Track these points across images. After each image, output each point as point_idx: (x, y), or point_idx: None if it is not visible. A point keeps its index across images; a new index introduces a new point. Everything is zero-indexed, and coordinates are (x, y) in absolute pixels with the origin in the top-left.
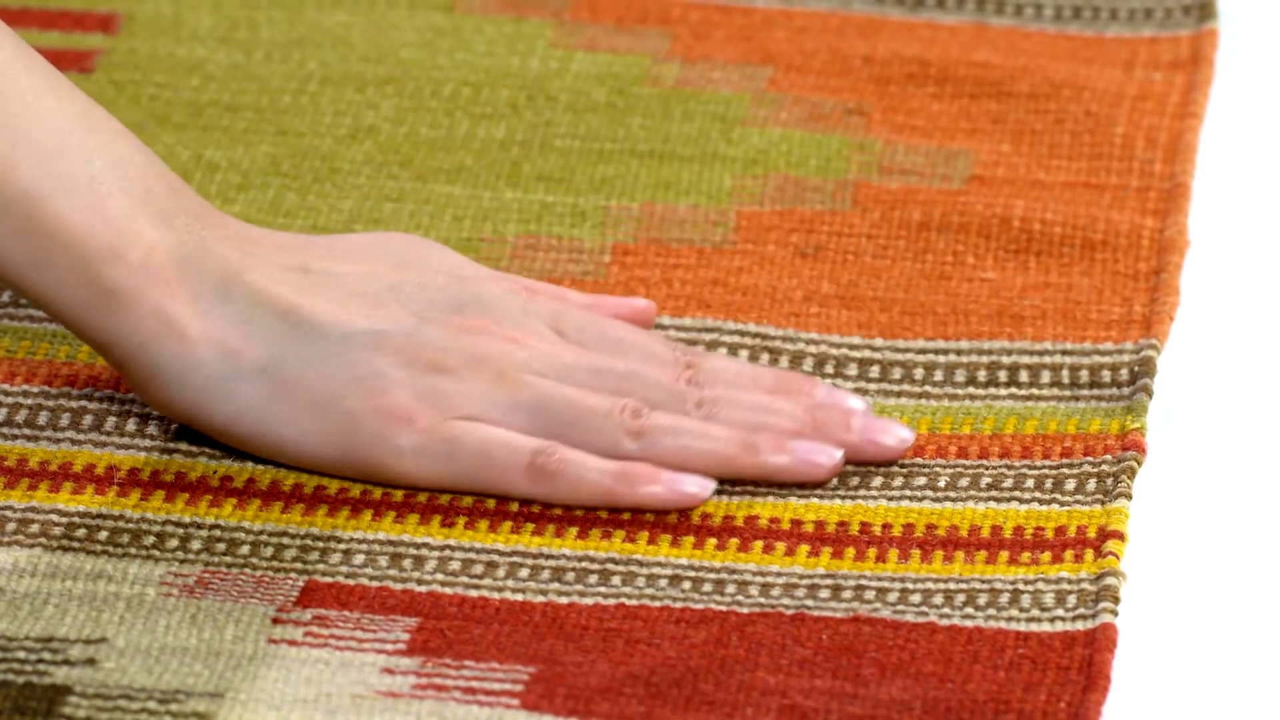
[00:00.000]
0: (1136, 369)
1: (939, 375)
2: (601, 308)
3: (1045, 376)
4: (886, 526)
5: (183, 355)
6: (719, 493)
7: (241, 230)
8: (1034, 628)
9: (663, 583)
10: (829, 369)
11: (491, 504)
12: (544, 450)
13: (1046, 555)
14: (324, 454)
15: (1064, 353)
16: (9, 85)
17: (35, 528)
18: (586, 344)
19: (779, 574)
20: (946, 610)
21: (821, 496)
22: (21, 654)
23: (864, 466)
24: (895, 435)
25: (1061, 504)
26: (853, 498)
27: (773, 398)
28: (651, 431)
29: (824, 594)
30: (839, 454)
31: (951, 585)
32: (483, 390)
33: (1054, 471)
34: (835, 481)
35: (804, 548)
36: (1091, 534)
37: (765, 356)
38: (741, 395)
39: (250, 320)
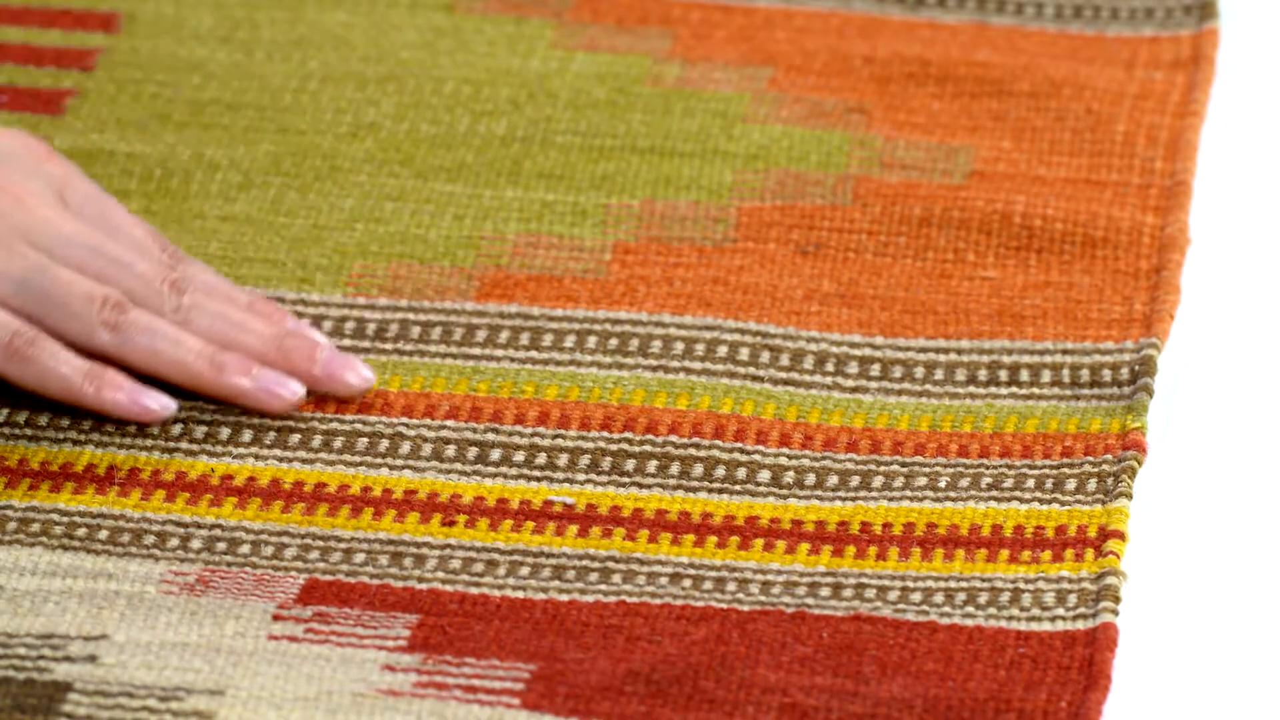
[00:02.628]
0: (1137, 368)
1: (939, 374)
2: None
3: (1046, 376)
4: (887, 526)
5: None
6: (720, 492)
7: None
8: (1034, 627)
9: (663, 580)
10: (829, 367)
11: (492, 502)
12: (21, 333)
13: (1047, 554)
14: None
15: (1064, 352)
16: None
17: (36, 527)
18: (86, 219)
19: (779, 572)
20: (947, 609)
21: (822, 497)
22: (22, 650)
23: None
24: (358, 374)
25: (1062, 503)
26: (853, 498)
27: (247, 315)
28: (128, 327)
29: (824, 592)
30: (300, 390)
31: (952, 584)
32: None
33: (1054, 471)
34: (835, 481)
35: (804, 546)
36: (1092, 533)
37: (765, 354)
38: (218, 306)
39: None
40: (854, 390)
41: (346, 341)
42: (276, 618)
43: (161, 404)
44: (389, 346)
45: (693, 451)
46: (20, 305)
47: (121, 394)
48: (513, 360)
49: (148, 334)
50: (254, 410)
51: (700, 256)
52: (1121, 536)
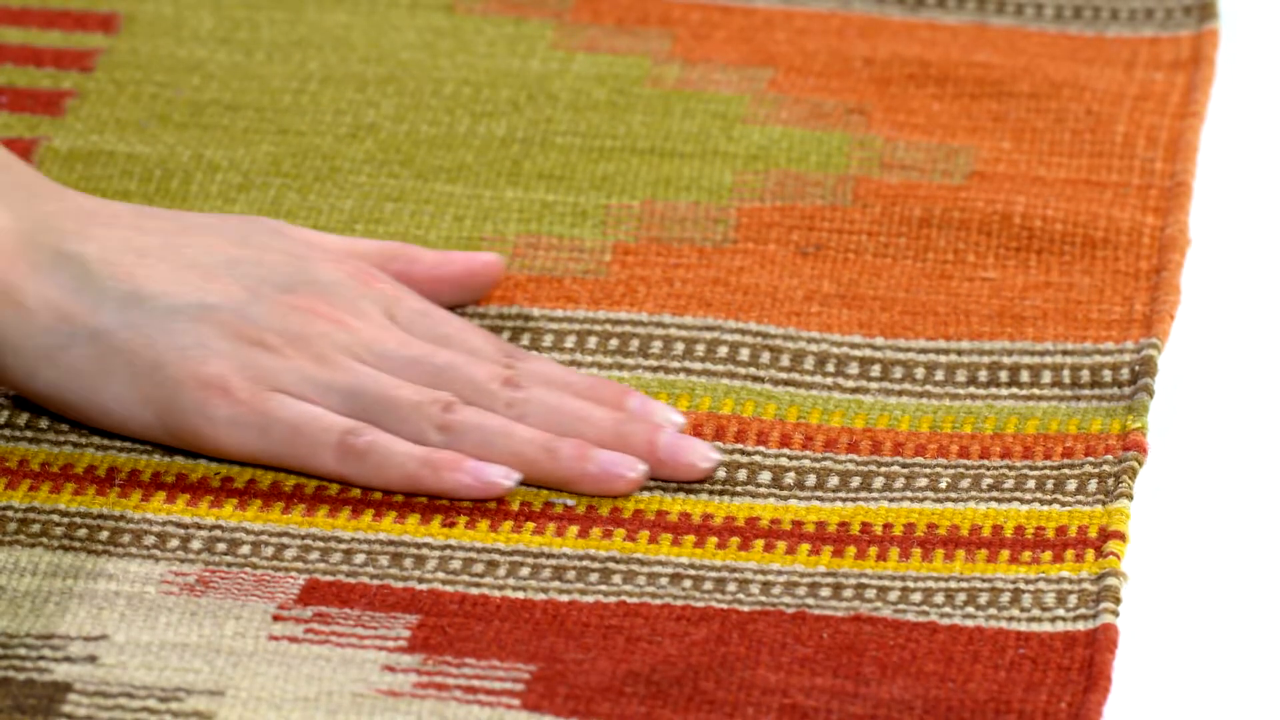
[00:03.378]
0: (1137, 368)
1: (940, 375)
2: (451, 263)
3: (1046, 376)
4: (887, 526)
5: (19, 323)
6: (721, 493)
7: (79, 202)
8: (1035, 628)
9: (663, 581)
10: (830, 368)
11: (493, 504)
12: (354, 430)
13: (1047, 555)
14: (142, 420)
15: (1064, 353)
16: None
17: (36, 528)
18: (415, 333)
19: (780, 572)
20: (947, 609)
21: (822, 499)
22: (22, 651)
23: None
24: (701, 455)
25: (1063, 504)
26: (854, 499)
27: (584, 404)
28: (458, 427)
29: (825, 592)
30: (642, 468)
31: (952, 584)
32: (301, 367)
33: (1055, 472)
34: (836, 482)
35: (805, 546)
36: (1092, 534)
37: (766, 355)
38: (553, 399)
39: (85, 288)
40: (854, 391)
41: None
42: (277, 618)
43: (505, 473)
44: None
45: None
46: (352, 417)
47: (463, 474)
48: None
49: (479, 430)
50: (456, 498)
51: (700, 257)
52: (1122, 537)
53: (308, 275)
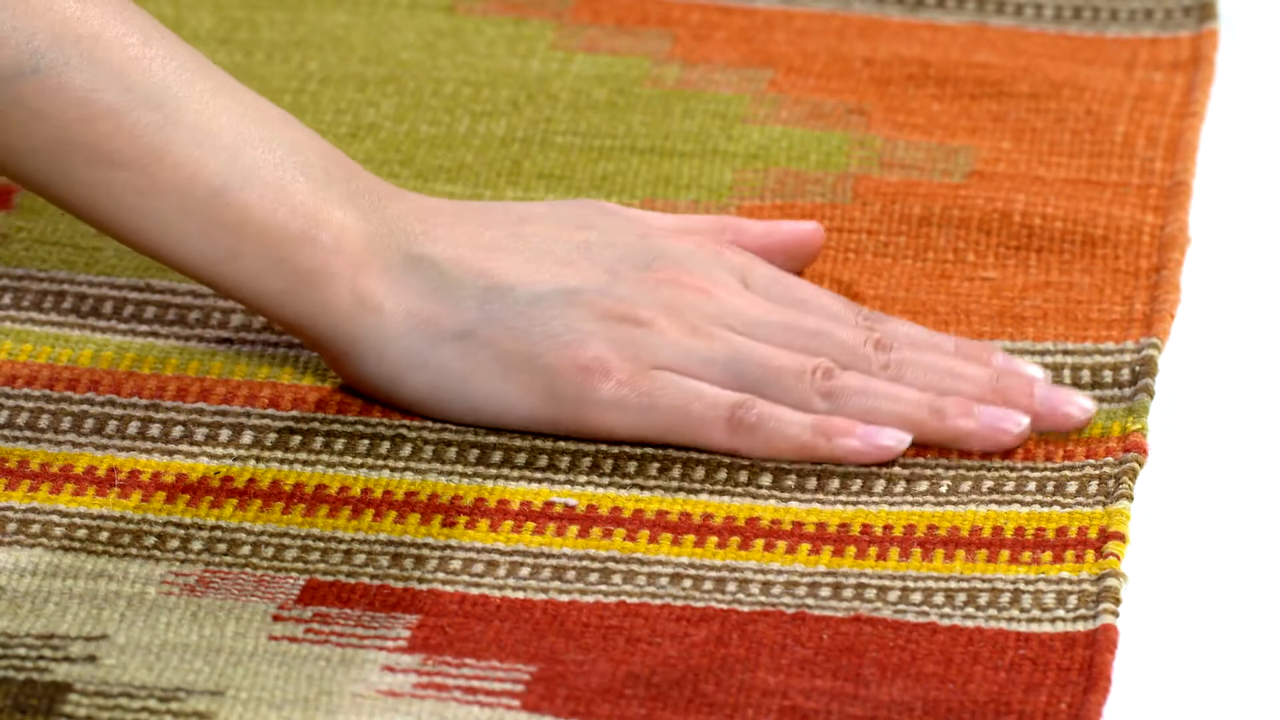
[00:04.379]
0: (1138, 368)
1: None
2: (778, 232)
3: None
4: (888, 527)
5: (379, 327)
6: (721, 493)
7: (420, 201)
8: (1035, 628)
9: (663, 581)
10: None
11: (493, 503)
12: (743, 404)
13: (1047, 555)
14: (524, 411)
15: (1065, 353)
16: (186, 89)
17: (36, 528)
18: (773, 298)
19: (780, 572)
20: (947, 610)
21: (823, 501)
22: (22, 651)
23: (1042, 432)
24: (1078, 405)
25: (1063, 506)
26: (854, 502)
27: (956, 361)
28: (842, 392)
29: (825, 592)
30: (1025, 421)
31: (952, 584)
32: (678, 341)
33: (1055, 474)
34: (837, 485)
35: (805, 546)
36: (1092, 535)
37: None
38: (926, 358)
39: (442, 288)
40: None
41: None
42: (277, 618)
43: (896, 438)
44: None
45: (694, 454)
46: (730, 387)
47: (855, 440)
48: None
49: (862, 395)
50: (847, 463)
51: None
52: (1122, 538)
53: (660, 250)
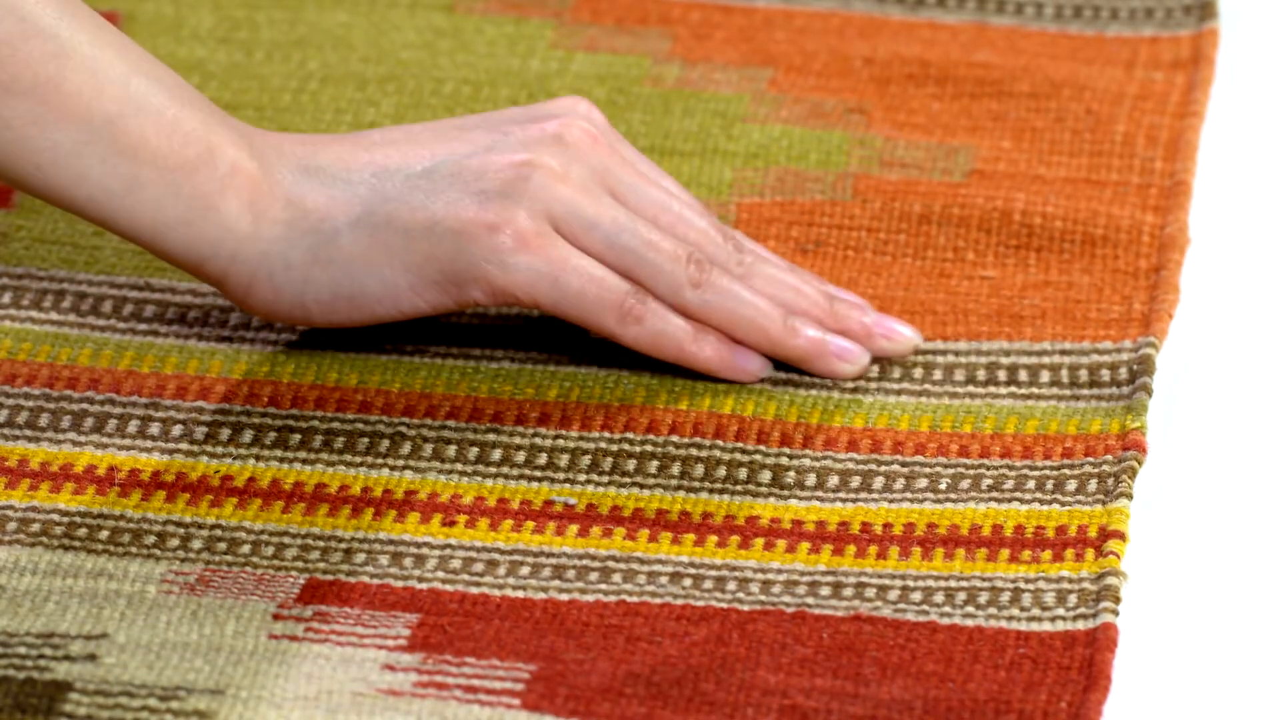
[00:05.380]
0: (1136, 367)
1: (938, 374)
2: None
3: (1045, 376)
4: (887, 526)
5: (280, 239)
6: (721, 492)
7: (298, 137)
8: (1034, 627)
9: (663, 580)
10: None
11: (493, 502)
12: (633, 294)
13: (1047, 554)
14: (426, 288)
15: (1063, 352)
16: (74, 23)
17: (36, 527)
18: (645, 167)
19: (779, 571)
20: (947, 609)
21: (822, 498)
22: (22, 650)
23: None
24: (907, 329)
25: (1062, 504)
26: (854, 499)
27: (793, 276)
28: (710, 286)
29: (825, 591)
30: (866, 359)
31: (952, 583)
32: (570, 198)
33: (1055, 473)
34: (836, 483)
35: (804, 545)
36: (1092, 533)
37: None
38: (769, 268)
39: (336, 186)
40: (854, 390)
41: (345, 340)
42: (277, 617)
43: (760, 364)
44: (389, 345)
45: (693, 452)
46: (612, 260)
47: (725, 352)
48: (513, 360)
49: (726, 294)
50: (709, 373)
51: None
52: (1122, 537)
53: (546, 109)
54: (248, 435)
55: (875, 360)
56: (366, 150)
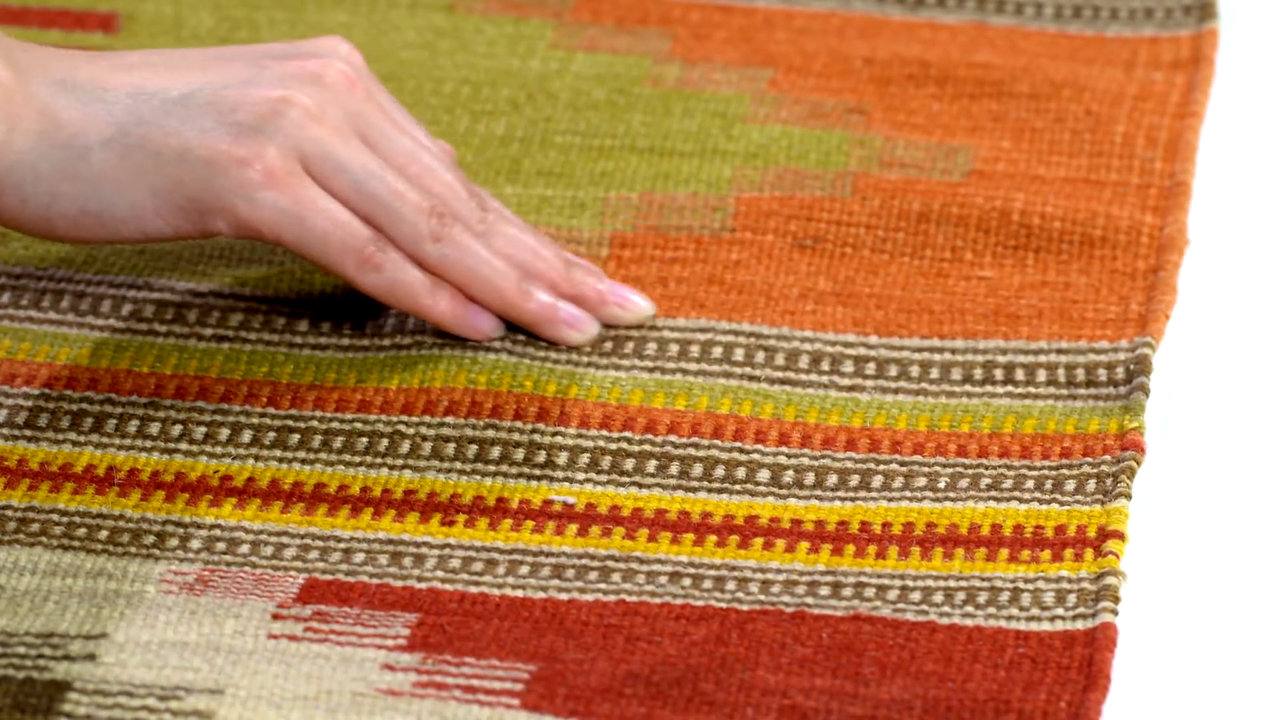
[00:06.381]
0: (1132, 367)
1: (935, 373)
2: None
3: (1041, 375)
4: (886, 525)
5: (30, 150)
6: (719, 491)
7: (60, 50)
8: (1034, 627)
9: (663, 579)
10: (825, 366)
11: (492, 501)
12: (374, 241)
13: (1046, 554)
14: (172, 214)
15: (1059, 352)
16: None
17: (35, 527)
18: (399, 114)
19: (779, 570)
20: (946, 609)
21: (821, 498)
22: (22, 649)
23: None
24: (640, 298)
25: (1061, 503)
26: (852, 498)
27: (532, 239)
28: (450, 241)
29: (824, 591)
30: (596, 329)
31: (951, 583)
32: (321, 137)
33: (1054, 472)
34: (835, 481)
35: (804, 544)
36: (1091, 533)
37: (761, 354)
38: (509, 228)
39: (92, 103)
40: (850, 389)
41: (344, 340)
42: (276, 617)
43: (492, 325)
44: (386, 342)
45: (692, 451)
46: (357, 205)
47: (459, 308)
48: (510, 355)
49: (465, 251)
50: (442, 327)
51: (697, 248)
52: (1121, 536)
53: (302, 46)
54: (247, 435)
55: (690, 344)
56: (125, 71)
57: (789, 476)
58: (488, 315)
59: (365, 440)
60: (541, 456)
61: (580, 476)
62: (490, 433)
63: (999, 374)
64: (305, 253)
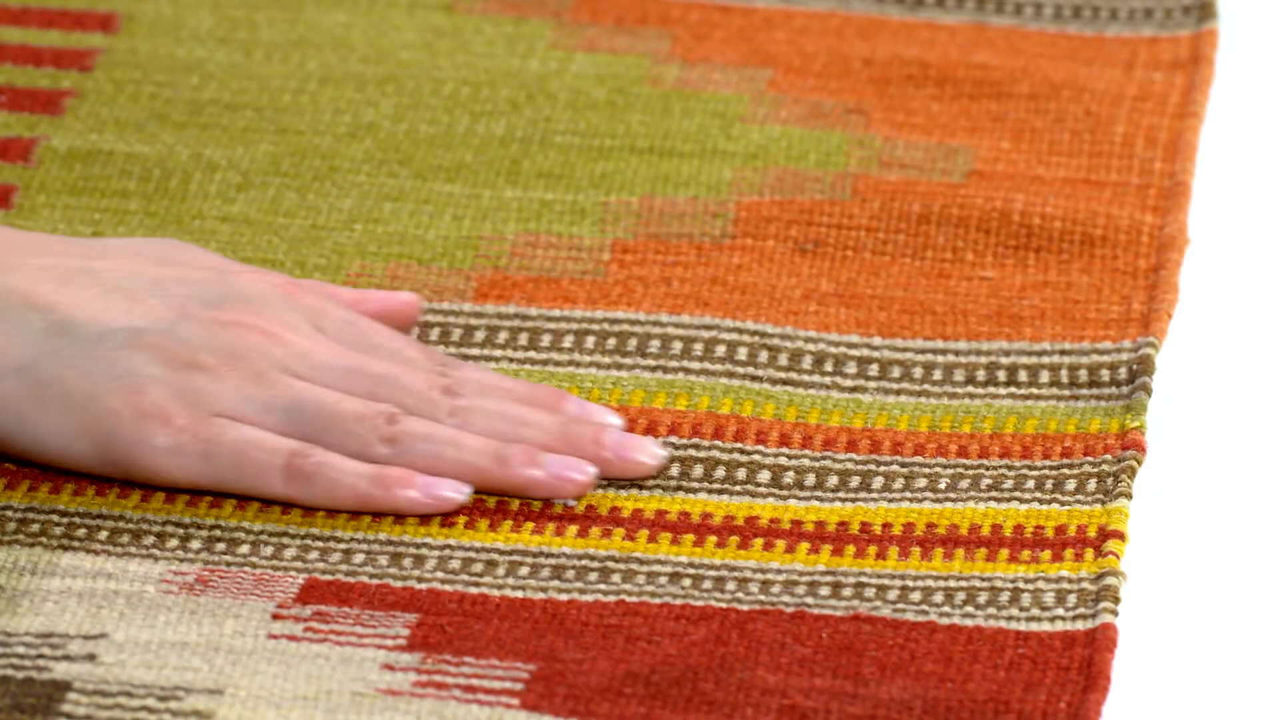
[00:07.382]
0: (1135, 367)
1: (938, 374)
2: (369, 302)
3: (1044, 376)
4: (886, 526)
5: None
6: (720, 492)
7: (10, 238)
8: (1034, 627)
9: (662, 580)
10: (828, 367)
11: (492, 503)
12: (300, 451)
13: (1046, 554)
14: (80, 452)
15: (1062, 352)
16: None
17: (35, 527)
18: (344, 343)
19: (779, 571)
20: (946, 609)
21: (821, 498)
22: (21, 649)
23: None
24: (649, 453)
25: (1062, 504)
26: (853, 499)
27: (525, 409)
28: (405, 438)
29: (824, 591)
30: (592, 470)
31: (951, 583)
32: (239, 389)
33: (1054, 472)
34: (835, 482)
35: (804, 545)
36: (1091, 533)
37: (764, 354)
38: (494, 405)
39: (7, 320)
40: (852, 390)
41: None
42: (276, 617)
43: (456, 488)
44: None
45: (692, 452)
46: (292, 434)
47: (415, 490)
48: (511, 360)
49: (425, 441)
50: (407, 514)
51: (699, 254)
52: (1121, 537)
53: (233, 289)
54: None
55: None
56: (55, 287)
57: (789, 478)
58: (449, 481)
59: None
60: None
61: None
62: None
63: (1002, 375)
64: (229, 486)
